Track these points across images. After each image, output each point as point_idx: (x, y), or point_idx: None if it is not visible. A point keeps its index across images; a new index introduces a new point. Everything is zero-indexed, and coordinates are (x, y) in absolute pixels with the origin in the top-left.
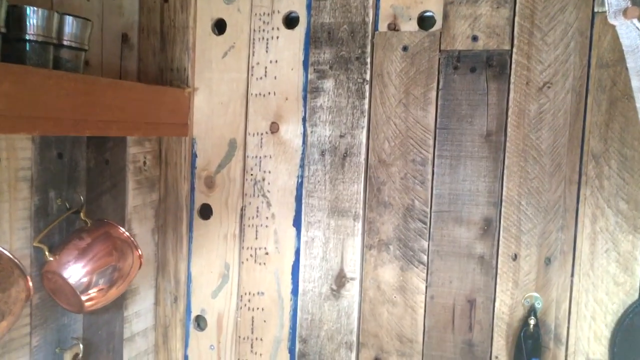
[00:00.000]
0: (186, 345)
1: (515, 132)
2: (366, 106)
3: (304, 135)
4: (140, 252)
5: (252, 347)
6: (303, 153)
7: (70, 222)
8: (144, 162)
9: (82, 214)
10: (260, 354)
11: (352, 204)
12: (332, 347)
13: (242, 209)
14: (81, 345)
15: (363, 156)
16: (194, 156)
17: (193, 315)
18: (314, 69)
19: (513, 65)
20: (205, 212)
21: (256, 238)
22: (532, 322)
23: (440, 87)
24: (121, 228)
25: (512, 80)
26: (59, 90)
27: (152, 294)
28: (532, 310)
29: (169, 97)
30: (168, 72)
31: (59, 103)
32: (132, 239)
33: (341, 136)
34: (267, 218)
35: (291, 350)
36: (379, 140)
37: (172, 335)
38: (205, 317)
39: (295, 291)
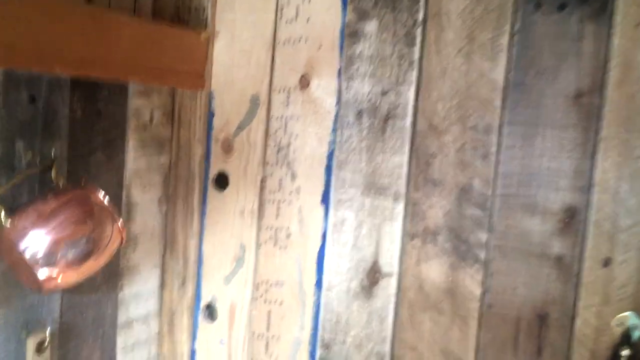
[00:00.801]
0: (194, 338)
1: (617, 93)
2: (416, 55)
3: (339, 92)
4: (121, 225)
5: (267, 346)
6: (337, 114)
7: (45, 184)
8: (151, 119)
9: (52, 172)
10: (276, 357)
11: (393, 180)
12: (359, 357)
13: (262, 181)
14: (48, 331)
15: (409, 120)
16: (210, 115)
17: (203, 302)
18: (354, 7)
19: (618, 1)
20: (221, 181)
21: (277, 216)
22: (625, 352)
23: (515, 30)
24: (100, 193)
25: (616, 20)
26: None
27: (156, 274)
28: (626, 336)
29: (179, 39)
30: (185, 11)
31: (14, 27)
32: (110, 207)
33: (383, 93)
34: (290, 193)
35: (312, 355)
36: (430, 99)
37: (178, 324)
38: (216, 307)
39: (319, 284)
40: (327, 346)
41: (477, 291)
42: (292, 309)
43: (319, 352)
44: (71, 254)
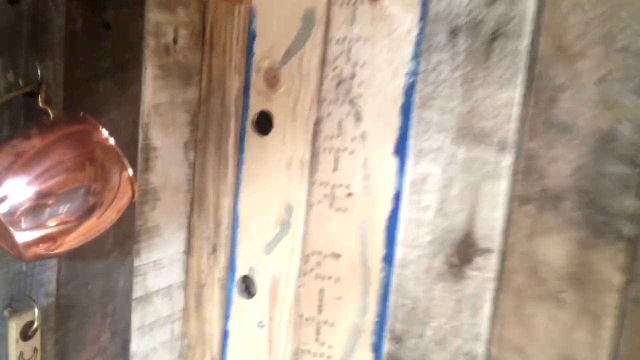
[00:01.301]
0: (227, 317)
1: None
2: None
3: (424, 4)
4: (131, 174)
5: (317, 333)
6: (420, 34)
7: (32, 115)
8: (175, 39)
9: (39, 98)
10: (329, 346)
11: (499, 124)
12: (441, 356)
13: (316, 123)
14: (36, 310)
15: (526, 39)
16: (251, 36)
17: (238, 274)
18: None
19: None
20: (264, 123)
21: (335, 170)
22: None
23: None
24: (104, 130)
25: None
26: None
27: (181, 237)
28: None
29: None
30: None
31: None
32: (118, 149)
33: (489, 3)
34: (353, 139)
35: (376, 348)
36: (560, 9)
37: (207, 299)
38: (254, 280)
39: (389, 259)
40: (398, 339)
41: (618, 279)
42: (352, 289)
43: (386, 346)
44: (65, 211)
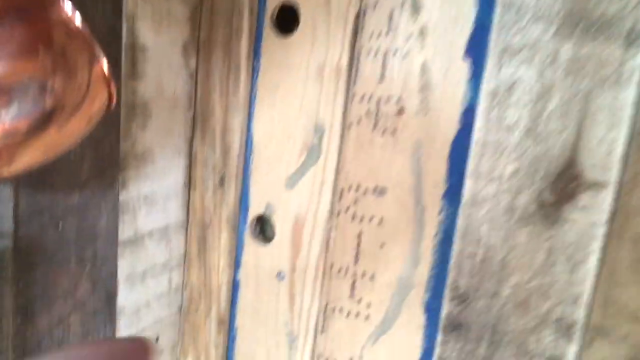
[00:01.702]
0: (237, 265)
1: None
2: None
3: None
4: (106, 69)
5: (353, 288)
6: None
7: None
8: None
9: None
10: (368, 304)
11: (628, 7)
12: (523, 322)
13: (357, 17)
14: None
15: None
16: None
17: (252, 214)
18: None
19: None
20: (286, 19)
21: (382, 78)
22: None
23: None
24: (66, 3)
25: None
26: None
27: (180, 166)
28: None
29: None
30: None
31: None
32: (87, 32)
33: None
34: (408, 37)
35: (431, 309)
36: None
37: (213, 243)
38: (272, 221)
39: (453, 195)
40: (462, 298)
41: None
42: (400, 233)
43: (445, 307)
44: (10, 115)
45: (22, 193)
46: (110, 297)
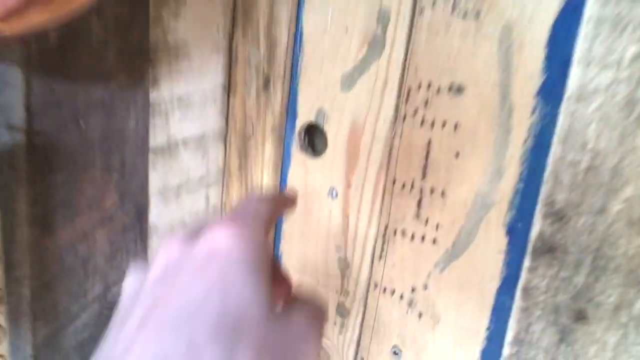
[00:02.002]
0: (283, 180)
1: None
2: None
3: None
4: None
5: (419, 206)
6: None
7: None
8: None
9: None
10: (436, 225)
11: None
12: (637, 244)
13: None
14: None
15: None
16: None
17: (301, 121)
18: None
19: None
20: None
21: None
22: None
23: None
24: None
25: None
26: None
27: (219, 64)
28: None
29: None
30: None
31: None
32: None
33: None
34: None
35: (514, 230)
36: None
37: (256, 155)
38: (324, 129)
39: (550, 90)
40: (559, 216)
41: None
42: (480, 140)
43: (537, 227)
44: None
45: (35, 79)
46: (140, 212)
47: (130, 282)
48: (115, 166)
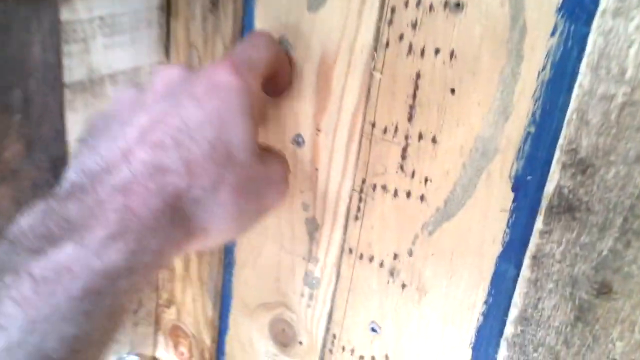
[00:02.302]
0: None
1: None
2: None
3: None
4: None
5: (404, 157)
6: None
7: None
8: None
9: None
10: (424, 179)
11: None
12: None
13: None
14: None
15: None
16: None
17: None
18: None
19: None
20: None
21: None
22: None
23: None
24: None
25: None
26: None
27: None
28: None
29: None
30: None
31: None
32: None
33: None
34: None
35: (523, 183)
36: None
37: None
38: (288, 41)
39: (576, 3)
40: (583, 166)
41: None
42: (482, 71)
43: (554, 180)
44: None
45: None
46: (56, 165)
47: (121, 93)
48: (16, 106)
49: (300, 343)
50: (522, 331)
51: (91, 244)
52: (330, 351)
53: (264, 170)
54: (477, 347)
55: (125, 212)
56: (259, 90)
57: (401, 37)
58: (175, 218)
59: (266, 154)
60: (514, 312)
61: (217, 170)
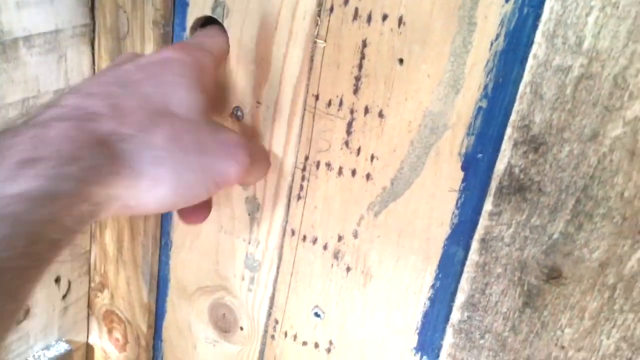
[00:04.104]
0: None
1: None
2: None
3: None
4: None
5: (349, 133)
6: None
7: None
8: None
9: None
10: (371, 156)
11: None
12: (637, 181)
13: None
14: None
15: None
16: None
17: (192, 15)
18: None
19: None
20: None
21: None
22: None
23: None
24: None
25: None
26: None
27: None
28: None
29: None
30: None
31: None
32: None
33: None
34: None
35: (473, 161)
36: None
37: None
38: (225, 25)
39: None
40: (536, 143)
41: None
42: (432, 40)
43: (505, 158)
44: None
45: None
46: None
47: None
48: None
49: (242, 328)
50: (468, 317)
51: (6, 169)
52: (273, 337)
53: (213, 131)
54: (423, 333)
55: (41, 140)
56: (210, 67)
57: (346, 0)
58: (100, 151)
59: (223, 126)
60: (460, 298)
61: (151, 117)
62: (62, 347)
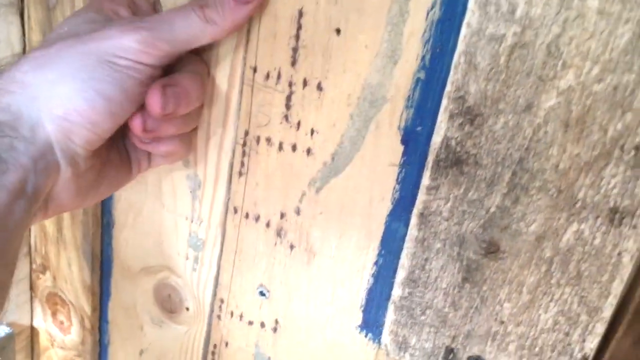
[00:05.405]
0: None
1: None
2: None
3: None
4: None
5: (287, 107)
6: None
7: None
8: None
9: None
10: (310, 131)
11: None
12: (572, 152)
13: None
14: None
15: None
16: None
17: None
18: None
19: None
20: None
21: None
22: None
23: None
24: None
25: None
26: None
27: None
28: None
29: None
30: None
31: None
32: None
33: None
34: None
35: (412, 135)
36: None
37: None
38: None
39: None
40: (471, 115)
41: None
42: (368, 8)
43: (441, 131)
44: None
45: None
46: None
47: None
48: None
49: (187, 309)
50: (409, 293)
51: None
52: (219, 317)
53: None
54: (367, 310)
55: None
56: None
57: None
58: None
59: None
60: (401, 274)
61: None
62: (3, 331)
